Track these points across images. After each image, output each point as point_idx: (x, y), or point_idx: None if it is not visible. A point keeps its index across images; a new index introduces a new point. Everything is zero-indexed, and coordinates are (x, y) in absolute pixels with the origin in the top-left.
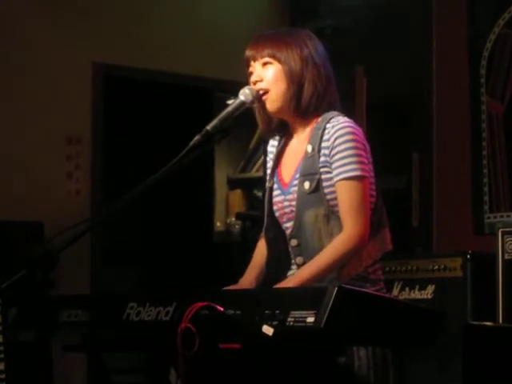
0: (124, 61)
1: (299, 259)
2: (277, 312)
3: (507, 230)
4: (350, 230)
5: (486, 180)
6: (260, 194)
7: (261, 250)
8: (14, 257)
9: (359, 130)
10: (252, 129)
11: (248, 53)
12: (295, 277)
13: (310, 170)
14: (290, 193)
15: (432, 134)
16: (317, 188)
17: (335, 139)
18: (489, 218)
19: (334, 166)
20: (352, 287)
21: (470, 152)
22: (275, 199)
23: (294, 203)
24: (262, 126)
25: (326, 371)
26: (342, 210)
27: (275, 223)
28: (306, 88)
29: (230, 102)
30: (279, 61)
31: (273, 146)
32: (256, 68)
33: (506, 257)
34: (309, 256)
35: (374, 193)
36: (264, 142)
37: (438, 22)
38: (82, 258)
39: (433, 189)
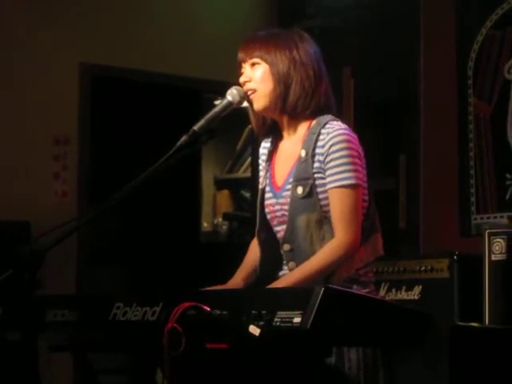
0: (111, 61)
1: (292, 264)
2: (263, 312)
3: (494, 231)
4: (341, 237)
5: (472, 181)
6: (247, 194)
7: (252, 251)
8: (0, 256)
9: (354, 137)
10: (239, 129)
11: (239, 55)
12: (284, 279)
13: (304, 174)
14: (282, 197)
15: (419, 135)
16: (310, 193)
17: (330, 146)
18: (476, 219)
19: (327, 173)
20: (339, 288)
21: (457, 153)
22: (267, 202)
23: (286, 207)
24: (255, 125)
25: (314, 372)
26: (334, 217)
27: (267, 225)
28: (293, 89)
29: (217, 102)
30: (266, 61)
31: (265, 147)
32: (246, 69)
33: (493, 258)
34: (301, 261)
35: (366, 198)
36: (252, 143)
37: (425, 24)
38: (68, 257)
39: (420, 190)
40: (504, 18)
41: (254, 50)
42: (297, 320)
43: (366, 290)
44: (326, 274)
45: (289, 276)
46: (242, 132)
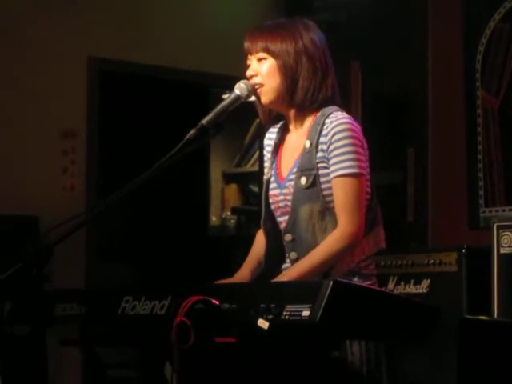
0: (119, 55)
1: (293, 254)
2: (272, 306)
3: (502, 224)
4: (344, 228)
5: (481, 174)
6: (255, 188)
7: (258, 243)
8: (8, 251)
9: (358, 127)
10: (247, 123)
11: (245, 45)
12: (288, 272)
13: (308, 165)
14: (285, 187)
15: (427, 129)
16: (313, 183)
17: (333, 135)
18: (484, 212)
19: (331, 162)
20: (347, 281)
21: (465, 147)
22: (271, 192)
23: (289, 198)
24: (262, 118)
25: (321, 365)
26: (338, 206)
27: (272, 216)
28: (301, 83)
29: (225, 96)
30: (273, 55)
31: (270, 138)
32: (252, 62)
33: (502, 251)
34: (303, 251)
35: (369, 190)
36: (260, 136)
37: (433, 17)
38: (76, 252)
39: (428, 184)
40: None
41: (260, 41)
42: (305, 313)
43: (368, 283)
44: (329, 264)
45: (293, 269)
46: (250, 126)
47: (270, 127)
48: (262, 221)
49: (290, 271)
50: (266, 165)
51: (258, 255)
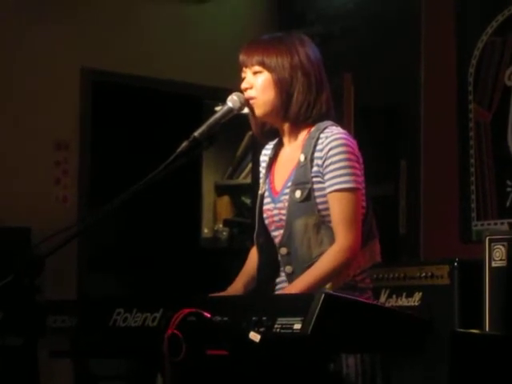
0: (113, 67)
1: (288, 268)
2: (264, 318)
3: (494, 237)
4: (342, 242)
5: (473, 188)
6: (248, 200)
7: (252, 257)
8: (0, 262)
9: (353, 142)
10: (240, 135)
11: (240, 58)
12: (293, 287)
13: (302, 178)
14: (280, 201)
15: (419, 141)
16: (308, 197)
17: (329, 150)
18: (476, 225)
19: (326, 176)
20: (339, 294)
21: (457, 160)
22: (265, 207)
23: (283, 211)
24: (255, 131)
25: (314, 378)
26: (335, 221)
27: (265, 230)
28: (296, 98)
29: (217, 108)
30: (268, 69)
31: (265, 155)
32: (247, 75)
33: (494, 264)
34: (298, 265)
35: (364, 204)
36: (253, 149)
37: (426, 30)
38: (68, 263)
39: (420, 196)
40: (505, 25)
41: (256, 55)
42: (297, 326)
43: (364, 297)
44: (329, 280)
45: (297, 283)
46: (243, 138)
47: (263, 143)
48: (254, 235)
49: (294, 286)
50: (261, 181)
51: (252, 270)
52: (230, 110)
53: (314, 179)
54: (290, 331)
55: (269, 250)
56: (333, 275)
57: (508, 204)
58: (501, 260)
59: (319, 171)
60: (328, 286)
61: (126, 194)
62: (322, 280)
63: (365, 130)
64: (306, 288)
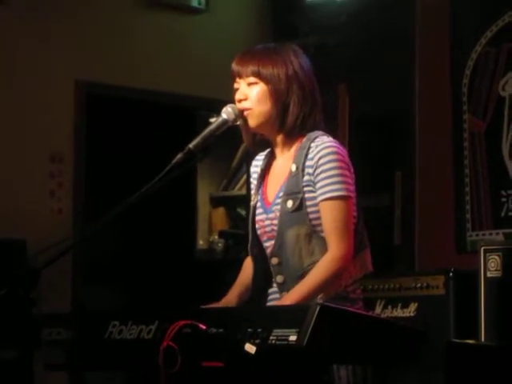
0: (107, 79)
1: (279, 277)
2: (259, 330)
3: (489, 247)
4: (335, 252)
5: (468, 198)
6: (243, 212)
7: (246, 267)
8: None
9: (343, 151)
10: (234, 147)
11: (234, 68)
12: (288, 297)
13: (294, 188)
14: (272, 211)
15: (414, 152)
16: (299, 207)
17: (319, 158)
18: (471, 236)
19: (318, 185)
20: (334, 305)
21: (452, 170)
22: (257, 218)
23: (275, 222)
24: (246, 140)
25: None
26: (327, 230)
27: (258, 241)
28: (291, 109)
29: (212, 120)
30: (264, 80)
31: (256, 166)
32: (241, 86)
33: (489, 274)
34: (289, 275)
35: (355, 213)
36: (247, 161)
37: (420, 41)
38: (63, 275)
39: (415, 207)
40: (498, 35)
41: (251, 65)
42: (292, 338)
43: (355, 307)
44: (323, 289)
45: (289, 296)
46: (237, 150)
47: (256, 154)
48: (249, 246)
49: (290, 296)
50: (253, 192)
51: (246, 280)
52: (225, 122)
53: (306, 188)
54: (285, 343)
55: (262, 261)
56: (327, 284)
57: (503, 214)
58: (496, 270)
59: (310, 180)
60: (319, 296)
61: (120, 206)
62: (316, 290)
63: (360, 141)
64: (300, 298)
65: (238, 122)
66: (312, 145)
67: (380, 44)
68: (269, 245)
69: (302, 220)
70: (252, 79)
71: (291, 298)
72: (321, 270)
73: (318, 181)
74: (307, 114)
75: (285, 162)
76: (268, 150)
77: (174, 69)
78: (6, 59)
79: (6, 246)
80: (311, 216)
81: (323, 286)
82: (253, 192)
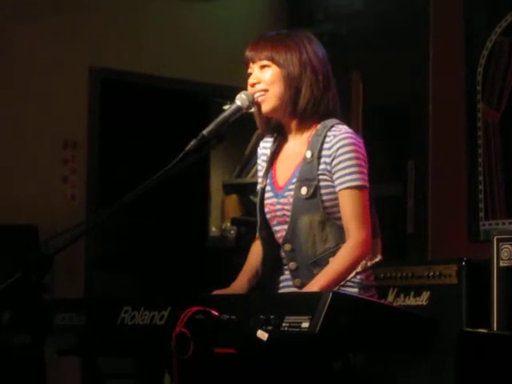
0: (121, 65)
1: (292, 264)
2: (271, 317)
3: (502, 237)
4: (356, 238)
5: (481, 187)
6: (256, 199)
7: (254, 252)
8: (8, 260)
9: (360, 141)
10: (248, 134)
11: (247, 54)
12: (316, 282)
13: (308, 175)
14: (284, 196)
15: (428, 141)
16: (314, 194)
17: (338, 149)
18: (484, 225)
19: (336, 175)
20: (346, 293)
21: (465, 159)
22: (267, 201)
23: (287, 207)
24: (260, 126)
25: (322, 376)
26: (346, 218)
27: (267, 224)
28: (303, 93)
29: (226, 107)
30: (278, 64)
31: (265, 147)
32: (254, 70)
33: (501, 264)
34: (302, 261)
35: (368, 203)
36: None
37: (434, 30)
38: (75, 262)
39: (428, 196)
40: None
41: (264, 50)
42: (305, 325)
43: (368, 294)
44: (348, 275)
45: (316, 282)
46: (251, 137)
47: (264, 137)
48: (257, 229)
49: (318, 282)
50: (260, 174)
51: (255, 264)
52: (239, 109)
53: (321, 177)
54: (297, 330)
55: (271, 244)
56: (351, 270)
57: None
58: (509, 259)
59: (326, 169)
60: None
61: (133, 192)
62: (342, 275)
63: (373, 130)
64: (328, 284)
65: (252, 109)
66: (329, 133)
67: (394, 32)
68: (279, 229)
69: (316, 207)
70: (265, 62)
71: (319, 284)
72: (344, 256)
73: (337, 171)
74: (319, 99)
75: (297, 146)
76: (276, 133)
77: (189, 56)
78: (19, 47)
79: (18, 231)
80: (326, 204)
81: (348, 272)
82: (261, 174)
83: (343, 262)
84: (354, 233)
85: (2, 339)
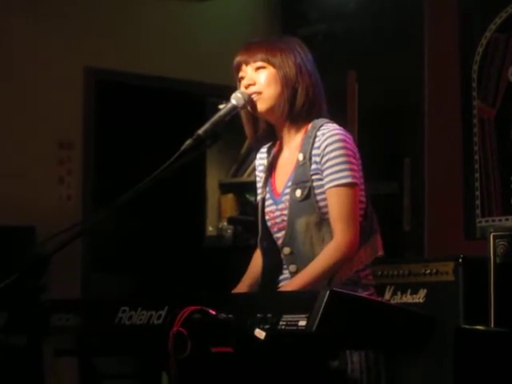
0: (116, 66)
1: (292, 267)
2: (269, 316)
3: (499, 234)
4: (340, 238)
5: (477, 184)
6: (252, 198)
7: (256, 260)
8: (5, 261)
9: (349, 137)
10: (243, 133)
11: (239, 58)
12: (290, 284)
13: (302, 177)
14: (281, 202)
15: (423, 138)
16: (308, 195)
17: (326, 147)
18: (480, 222)
19: (325, 173)
20: (343, 291)
21: (461, 157)
22: (267, 209)
23: (285, 212)
24: (248, 134)
25: (319, 375)
26: (333, 217)
27: (268, 233)
28: (300, 94)
29: (221, 106)
30: (273, 65)
31: (261, 158)
32: (248, 72)
33: (498, 261)
34: (302, 263)
35: (363, 199)
36: (256, 148)
37: (429, 27)
38: (72, 262)
39: (424, 193)
40: (508, 21)
41: (259, 52)
42: (302, 323)
43: (367, 293)
44: (329, 275)
45: (294, 280)
46: (246, 136)
47: (260, 148)
48: (258, 239)
49: (292, 283)
50: (259, 185)
51: (256, 272)
52: (234, 108)
53: (314, 177)
54: (295, 328)
55: (272, 254)
56: (331, 272)
57: None
58: (505, 256)
59: (318, 168)
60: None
61: (130, 192)
62: (319, 277)
63: (369, 128)
64: (303, 285)
65: (247, 109)
66: (318, 133)
67: (388, 31)
68: (279, 236)
69: (312, 208)
70: (260, 63)
71: (293, 284)
72: (325, 257)
73: (325, 168)
74: (313, 100)
75: (291, 152)
76: (270, 143)
77: (184, 55)
78: (13, 47)
79: (15, 232)
80: (320, 204)
81: (327, 273)
82: (260, 185)
83: (322, 264)
84: (338, 234)
85: None
